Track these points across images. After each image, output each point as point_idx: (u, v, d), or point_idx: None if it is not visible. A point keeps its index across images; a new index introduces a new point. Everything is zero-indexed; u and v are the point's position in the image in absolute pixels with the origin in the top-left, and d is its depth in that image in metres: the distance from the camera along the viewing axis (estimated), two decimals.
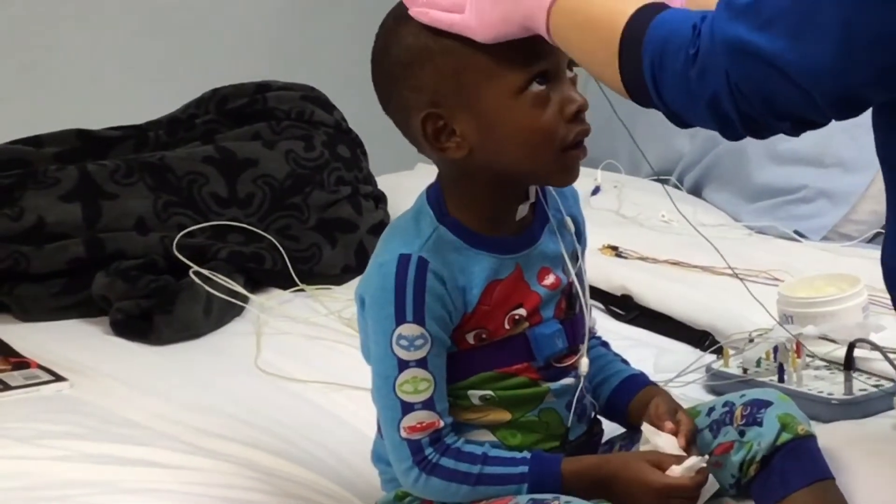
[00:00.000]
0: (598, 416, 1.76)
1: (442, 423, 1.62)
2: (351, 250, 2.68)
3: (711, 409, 1.70)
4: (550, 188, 1.70)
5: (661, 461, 1.59)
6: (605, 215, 2.90)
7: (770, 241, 2.79)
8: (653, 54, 1.46)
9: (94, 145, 2.77)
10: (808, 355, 2.01)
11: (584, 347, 1.69)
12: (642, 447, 1.65)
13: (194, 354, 2.33)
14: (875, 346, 1.93)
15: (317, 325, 2.40)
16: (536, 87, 1.58)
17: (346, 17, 3.87)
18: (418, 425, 1.61)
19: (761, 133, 1.48)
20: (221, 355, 2.32)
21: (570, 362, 1.68)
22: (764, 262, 2.48)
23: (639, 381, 1.75)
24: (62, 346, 2.35)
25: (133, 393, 2.14)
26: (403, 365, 1.60)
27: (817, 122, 1.46)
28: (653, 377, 1.82)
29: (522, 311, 1.65)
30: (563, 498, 1.58)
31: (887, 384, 1.92)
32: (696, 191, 3.13)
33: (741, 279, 2.12)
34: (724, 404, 1.70)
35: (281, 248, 2.60)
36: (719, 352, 2.10)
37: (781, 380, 1.97)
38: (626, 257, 2.62)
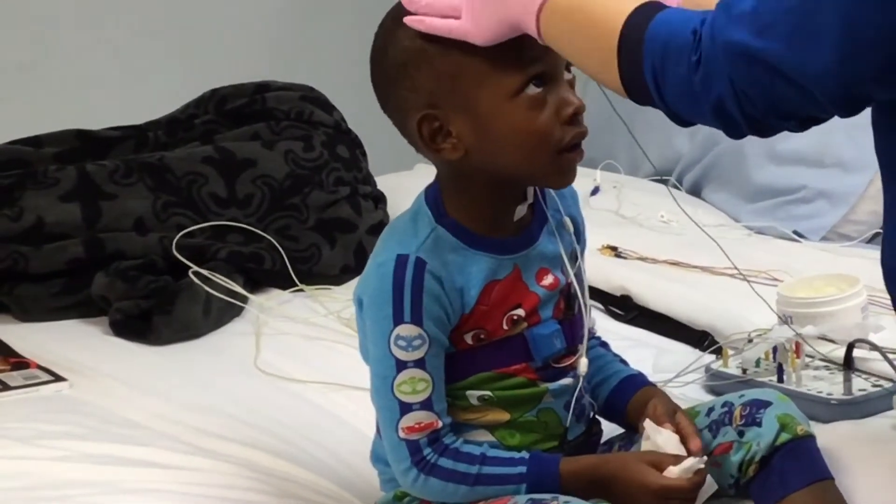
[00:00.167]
0: (597, 417, 1.76)
1: (440, 424, 1.62)
2: (350, 250, 2.68)
3: (710, 410, 1.70)
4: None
5: (659, 462, 1.59)
6: (605, 215, 2.90)
7: (769, 241, 2.79)
8: (654, 57, 1.46)
9: (93, 145, 2.77)
10: (807, 355, 2.01)
11: (582, 348, 1.69)
12: (643, 444, 1.65)
13: (194, 354, 2.33)
14: (874, 347, 1.93)
15: (316, 325, 2.40)
16: (533, 90, 1.57)
17: (346, 17, 3.87)
18: (417, 426, 1.61)
19: (766, 132, 1.48)
20: (221, 355, 2.32)
21: (568, 362, 1.68)
22: (763, 263, 2.48)
23: (637, 382, 1.75)
24: (62, 346, 2.36)
25: (133, 393, 2.14)
26: (401, 365, 1.60)
27: (822, 119, 1.46)
28: (652, 377, 1.82)
29: (521, 312, 1.65)
30: (562, 498, 1.58)
31: (886, 384, 1.92)
32: (695, 191, 3.13)
33: (744, 277, 2.11)
34: (724, 404, 1.70)
35: (280, 249, 2.60)
36: (718, 352, 2.10)
37: (781, 380, 1.97)
38: (625, 257, 2.62)
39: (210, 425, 2.01)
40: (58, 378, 2.19)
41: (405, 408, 1.60)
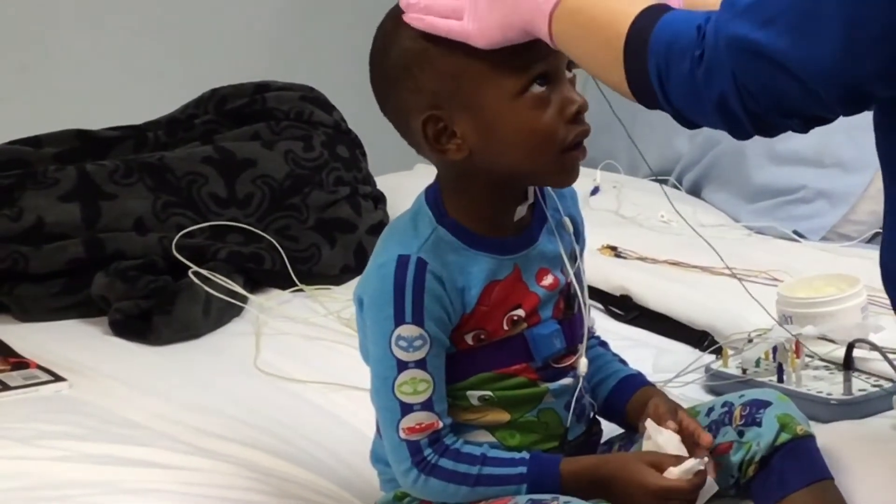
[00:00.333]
0: (597, 417, 1.76)
1: (441, 424, 1.62)
2: (350, 250, 2.68)
3: (710, 410, 1.70)
4: (549, 188, 1.70)
5: (659, 462, 1.59)
6: (605, 215, 2.90)
7: (769, 241, 2.79)
8: (658, 57, 1.46)
9: (93, 145, 2.77)
10: (807, 355, 2.01)
11: (582, 348, 1.69)
12: (644, 443, 1.65)
13: (194, 355, 2.33)
14: (874, 347, 1.93)
15: (316, 325, 2.40)
16: (537, 89, 1.58)
17: (345, 17, 3.87)
18: (417, 426, 1.61)
19: (770, 131, 1.48)
20: (221, 355, 2.32)
21: (568, 362, 1.68)
22: (763, 263, 2.48)
23: (636, 382, 1.75)
24: (61, 346, 2.35)
25: (133, 393, 2.14)
26: (402, 366, 1.60)
27: (825, 118, 1.45)
28: (652, 377, 1.82)
29: (521, 312, 1.65)
30: (562, 498, 1.58)
31: (886, 384, 1.92)
32: (695, 191, 3.13)
33: (739, 279, 2.12)
34: (723, 404, 1.70)
35: (280, 249, 2.60)
36: (718, 352, 2.10)
37: (780, 380, 1.97)
38: (625, 257, 2.62)
39: (210, 425, 2.01)
40: (58, 378, 2.19)
41: (406, 408, 1.60)
